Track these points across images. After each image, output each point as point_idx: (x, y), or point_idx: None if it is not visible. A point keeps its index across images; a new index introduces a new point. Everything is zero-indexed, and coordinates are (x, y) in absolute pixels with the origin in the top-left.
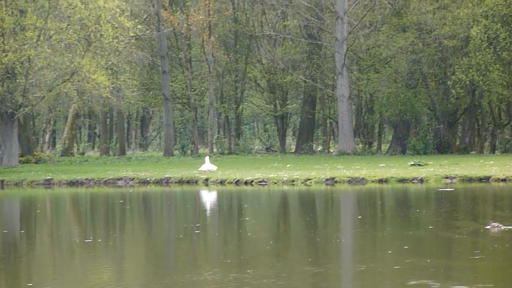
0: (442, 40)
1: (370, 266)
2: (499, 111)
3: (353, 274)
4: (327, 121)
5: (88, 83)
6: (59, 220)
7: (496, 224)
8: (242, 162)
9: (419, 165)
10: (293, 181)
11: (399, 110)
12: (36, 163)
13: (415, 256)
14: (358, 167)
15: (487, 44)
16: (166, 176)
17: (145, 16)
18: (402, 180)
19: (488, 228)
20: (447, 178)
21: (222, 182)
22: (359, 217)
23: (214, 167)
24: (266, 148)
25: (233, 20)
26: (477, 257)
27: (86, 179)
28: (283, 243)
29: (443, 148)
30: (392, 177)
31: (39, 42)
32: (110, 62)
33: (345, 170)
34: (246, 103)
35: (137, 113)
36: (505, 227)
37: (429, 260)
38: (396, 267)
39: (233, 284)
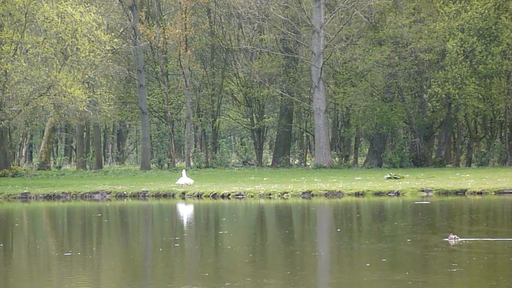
0: (418, 53)
1: (345, 278)
2: (475, 125)
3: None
4: (304, 135)
5: (64, 96)
6: (37, 233)
7: (454, 236)
8: (219, 176)
9: (395, 178)
10: (270, 194)
11: (376, 123)
12: (13, 176)
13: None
14: (334, 180)
15: (463, 57)
16: (143, 189)
17: (121, 29)
18: (378, 193)
19: (447, 241)
20: (423, 191)
21: (199, 196)
22: (338, 230)
23: (191, 181)
24: (243, 162)
25: (209, 34)
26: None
27: (63, 192)
28: (261, 256)
29: (419, 161)
30: (368, 190)
31: (16, 56)
32: (86, 76)
33: (321, 184)
34: (223, 117)
35: (114, 126)
36: (462, 239)
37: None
38: (366, 279)
39: None
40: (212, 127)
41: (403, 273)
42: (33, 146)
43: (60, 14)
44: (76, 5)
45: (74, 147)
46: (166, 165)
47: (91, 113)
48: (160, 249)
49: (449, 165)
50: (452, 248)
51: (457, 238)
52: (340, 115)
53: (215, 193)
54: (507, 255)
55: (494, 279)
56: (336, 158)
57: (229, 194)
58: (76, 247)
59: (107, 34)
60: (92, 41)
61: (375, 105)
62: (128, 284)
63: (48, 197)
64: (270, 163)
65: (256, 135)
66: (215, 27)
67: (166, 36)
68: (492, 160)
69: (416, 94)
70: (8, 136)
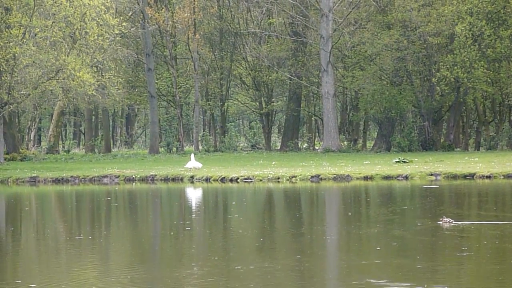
0: (427, 37)
1: (354, 261)
2: (483, 108)
3: (339, 269)
4: (312, 119)
5: (73, 80)
6: (48, 217)
7: (448, 219)
8: (228, 160)
9: (404, 162)
10: (279, 178)
11: (384, 107)
12: (21, 160)
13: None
14: (343, 164)
15: (471, 41)
16: (152, 173)
17: (130, 13)
18: (387, 177)
19: (440, 224)
20: (432, 175)
21: (207, 180)
22: (349, 214)
23: (199, 165)
24: (252, 146)
25: (218, 18)
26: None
27: (72, 176)
28: (271, 240)
29: (428, 145)
30: (377, 174)
31: (24, 40)
32: (95, 60)
33: (330, 167)
34: (231, 101)
35: (122, 110)
36: (456, 222)
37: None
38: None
39: (222, 279)
40: (221, 111)
41: (413, 258)
42: (42, 130)
43: None
44: None
45: (83, 131)
46: (174, 149)
47: (100, 97)
48: (171, 233)
49: (458, 149)
50: (461, 233)
51: (451, 222)
52: (348, 99)
53: (224, 177)
54: None
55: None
56: (345, 142)
57: (238, 178)
58: (87, 231)
59: (115, 17)
60: (101, 25)
61: (383, 89)
62: (138, 267)
63: (57, 181)
64: (279, 147)
65: (265, 119)
66: (223, 10)
67: (175, 20)
68: (500, 144)
69: (425, 78)
70: (16, 120)
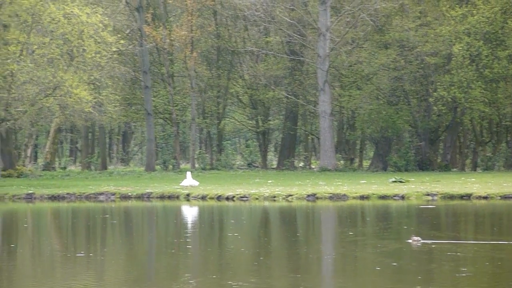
0: (424, 57)
1: (351, 282)
2: (480, 129)
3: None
4: (309, 137)
5: (70, 97)
6: (47, 235)
7: (416, 238)
8: (224, 178)
9: (401, 182)
10: (275, 197)
11: (381, 127)
12: (18, 177)
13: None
14: (339, 183)
15: (469, 61)
16: (148, 191)
17: (127, 31)
18: (383, 197)
19: (409, 242)
20: (428, 195)
21: (203, 198)
22: (350, 233)
23: (195, 183)
24: (248, 164)
25: (215, 36)
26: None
27: (68, 193)
28: (267, 258)
29: (424, 165)
30: (373, 194)
31: (22, 57)
32: (92, 77)
33: (326, 187)
34: (228, 119)
35: (119, 128)
36: (423, 241)
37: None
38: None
39: None
40: (217, 129)
41: (413, 277)
42: (38, 146)
43: (66, 15)
44: (83, 6)
45: (79, 148)
46: (171, 166)
47: (97, 114)
48: (168, 251)
49: (455, 169)
50: (459, 254)
51: (419, 240)
52: (345, 118)
53: (220, 195)
54: None
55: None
56: (341, 161)
57: (234, 196)
58: (83, 248)
59: (113, 35)
60: (98, 42)
61: (380, 108)
62: (133, 284)
63: (53, 197)
64: (275, 166)
65: (261, 137)
66: (221, 29)
67: (172, 38)
68: (497, 164)
69: (422, 98)
70: (13, 136)
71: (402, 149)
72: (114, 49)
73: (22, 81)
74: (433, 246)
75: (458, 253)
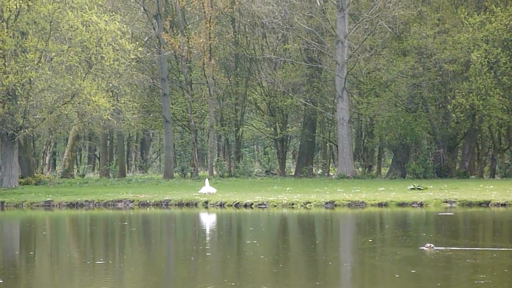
0: (443, 64)
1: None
2: (499, 136)
3: None
4: (327, 145)
5: (88, 105)
6: (63, 242)
7: (430, 245)
8: (242, 185)
9: (419, 189)
10: (293, 204)
11: (399, 134)
12: (36, 184)
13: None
14: (357, 190)
15: (487, 68)
16: (166, 198)
17: (146, 38)
18: (401, 204)
19: (423, 249)
20: (446, 202)
21: (221, 205)
22: (370, 240)
23: (213, 190)
24: (266, 171)
25: (233, 43)
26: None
27: (86, 201)
28: (286, 265)
29: (443, 172)
30: (391, 201)
31: (40, 64)
32: (110, 84)
33: (344, 194)
34: (246, 126)
35: (137, 135)
36: (437, 248)
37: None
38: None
39: None
40: (236, 136)
41: (433, 285)
42: (57, 154)
43: (84, 23)
44: (101, 13)
45: (98, 156)
46: (189, 174)
47: (115, 122)
48: (187, 258)
49: (473, 176)
50: (477, 261)
51: (432, 247)
52: (363, 125)
53: (238, 203)
54: None
55: None
56: (360, 168)
57: (252, 204)
58: (102, 255)
59: (131, 43)
60: (117, 50)
61: (399, 115)
62: None
63: (71, 205)
64: (293, 173)
65: (279, 144)
66: (239, 36)
67: (190, 45)
68: None
69: (440, 105)
70: (31, 144)
71: (421, 156)
72: (133, 57)
73: (40, 88)
74: (449, 253)
75: (477, 260)
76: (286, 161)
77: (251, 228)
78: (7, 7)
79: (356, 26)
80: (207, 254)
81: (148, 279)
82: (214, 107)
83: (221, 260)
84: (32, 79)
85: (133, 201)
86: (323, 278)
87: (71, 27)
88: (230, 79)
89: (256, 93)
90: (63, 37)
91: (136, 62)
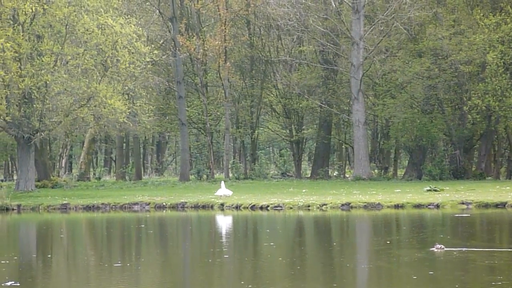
0: (458, 65)
1: None
2: None
3: None
4: (343, 146)
5: (104, 108)
6: (80, 245)
7: (439, 246)
8: (258, 187)
9: (435, 190)
10: (309, 206)
11: (415, 135)
12: (52, 187)
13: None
14: (374, 192)
15: (503, 69)
16: (182, 201)
17: (161, 41)
18: (418, 206)
19: (433, 250)
20: (463, 203)
21: (237, 207)
22: (387, 242)
23: (229, 192)
24: (282, 173)
25: (249, 46)
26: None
27: (102, 203)
28: (303, 267)
29: (459, 173)
30: (408, 203)
31: (56, 67)
32: (126, 87)
33: (360, 196)
34: (261, 128)
35: (153, 138)
36: (447, 248)
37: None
38: None
39: None
40: (251, 138)
41: (451, 286)
42: (73, 157)
43: (100, 26)
44: (116, 17)
45: (114, 158)
46: (205, 176)
47: (131, 124)
48: (204, 260)
49: (489, 177)
50: (495, 262)
51: (442, 248)
52: (379, 127)
53: (254, 205)
54: None
55: None
56: (375, 170)
57: (268, 206)
58: (119, 258)
59: (147, 45)
60: (132, 53)
61: (414, 117)
62: None
63: (88, 208)
64: (309, 175)
65: (295, 146)
66: (254, 38)
67: (206, 48)
68: None
69: (456, 106)
70: (48, 147)
71: (437, 157)
72: (148, 60)
73: (56, 91)
74: (463, 254)
75: (495, 261)
76: (302, 163)
77: (268, 230)
78: (22, 11)
79: (372, 28)
80: (224, 256)
81: (166, 281)
82: (230, 110)
83: (238, 262)
84: (48, 82)
85: (149, 204)
86: (340, 280)
87: (87, 30)
88: (246, 81)
89: (272, 95)
90: (78, 40)
91: (151, 65)
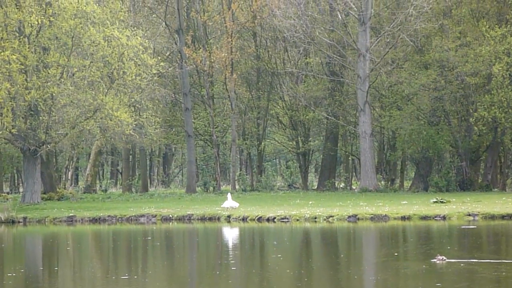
0: (464, 77)
1: None
2: None
3: None
4: (349, 158)
5: (111, 120)
6: (90, 257)
7: (441, 257)
8: (264, 199)
9: (442, 202)
10: (316, 218)
11: (422, 147)
12: (58, 200)
13: None
14: (380, 204)
15: (509, 81)
16: (189, 213)
17: (168, 53)
18: (424, 218)
19: (434, 261)
20: (469, 215)
21: (244, 219)
22: (395, 254)
23: (236, 204)
24: (288, 185)
25: (255, 58)
26: None
27: (109, 216)
28: (314, 280)
29: (465, 185)
30: (414, 214)
31: (62, 80)
32: (133, 99)
33: (367, 207)
34: (268, 140)
35: (160, 150)
36: (449, 260)
37: None
38: None
39: None
40: (258, 150)
41: None
42: (79, 169)
43: (106, 38)
44: (123, 29)
45: (120, 170)
46: (211, 188)
47: (137, 136)
48: (211, 272)
49: (496, 189)
50: (503, 273)
51: (444, 260)
52: (386, 139)
53: (261, 217)
54: None
55: None
56: (382, 182)
57: (275, 218)
58: (131, 270)
59: (153, 57)
60: (139, 65)
61: (421, 128)
62: None
63: (94, 220)
64: (316, 187)
65: (302, 158)
66: (261, 50)
67: (212, 60)
68: None
69: (462, 118)
70: (54, 159)
71: (443, 169)
72: (155, 71)
73: (62, 104)
74: (468, 266)
75: (502, 273)
76: (309, 175)
77: (275, 242)
78: (28, 23)
79: (378, 40)
80: (232, 268)
81: None
82: (236, 121)
83: (246, 274)
84: (54, 94)
85: (155, 216)
86: None
87: (93, 42)
88: (252, 93)
89: (278, 107)
90: (85, 52)
91: (158, 77)
